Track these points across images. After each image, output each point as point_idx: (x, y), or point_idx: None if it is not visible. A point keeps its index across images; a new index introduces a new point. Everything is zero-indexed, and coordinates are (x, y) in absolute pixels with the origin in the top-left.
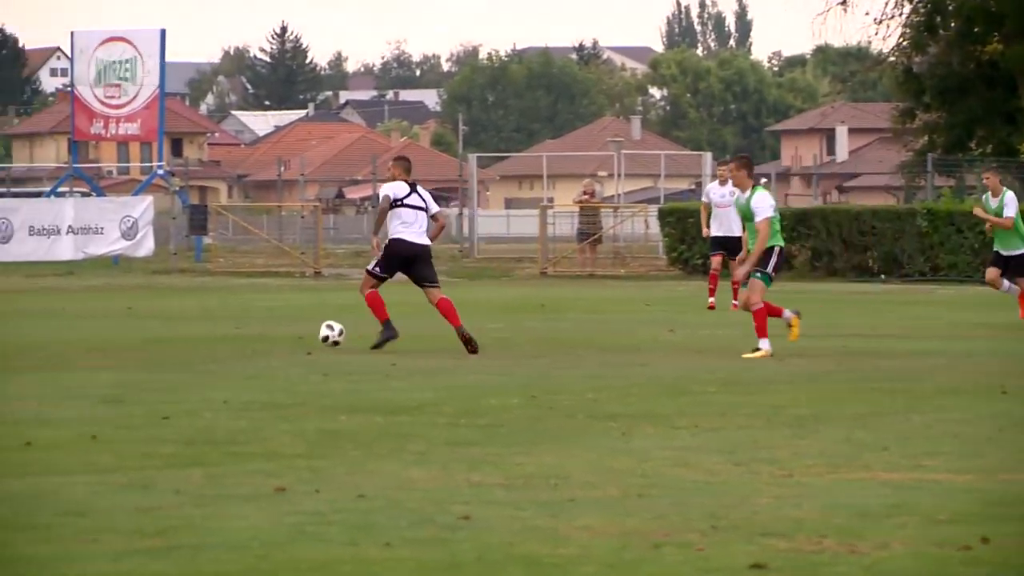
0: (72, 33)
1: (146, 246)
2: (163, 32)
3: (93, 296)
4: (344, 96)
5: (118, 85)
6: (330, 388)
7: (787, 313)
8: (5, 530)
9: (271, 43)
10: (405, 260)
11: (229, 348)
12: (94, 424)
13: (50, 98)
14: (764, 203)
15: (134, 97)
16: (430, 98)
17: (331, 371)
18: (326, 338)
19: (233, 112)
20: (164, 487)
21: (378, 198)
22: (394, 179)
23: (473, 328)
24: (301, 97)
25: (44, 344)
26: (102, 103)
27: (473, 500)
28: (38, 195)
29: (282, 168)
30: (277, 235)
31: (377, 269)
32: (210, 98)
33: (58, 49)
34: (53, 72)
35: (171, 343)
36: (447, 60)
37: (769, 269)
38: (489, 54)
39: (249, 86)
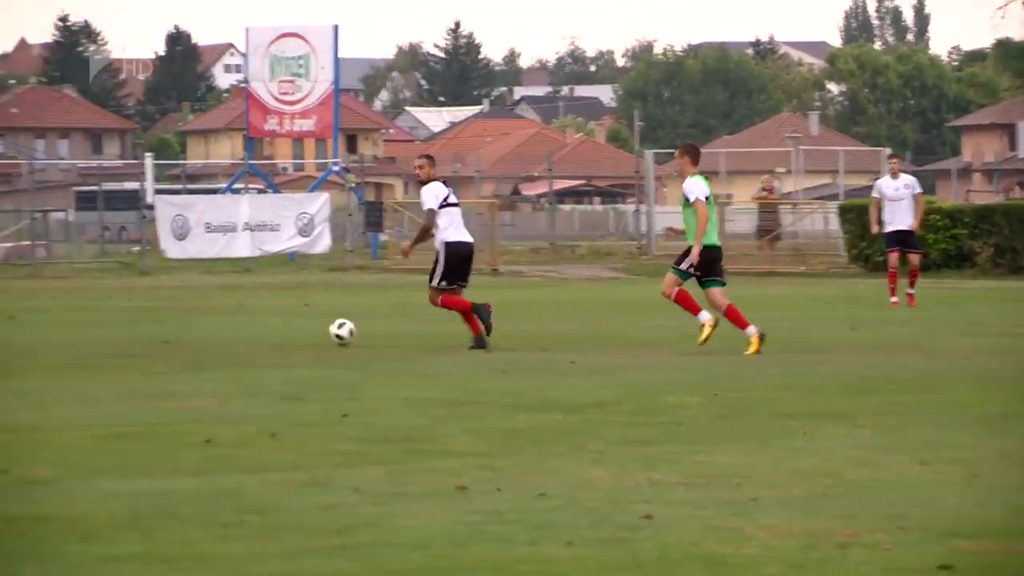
0: (246, 29)
1: (322, 243)
2: (336, 28)
3: (270, 293)
4: (519, 92)
5: (292, 81)
6: (509, 386)
7: (751, 330)
8: (187, 527)
9: (445, 39)
10: (465, 260)
11: (408, 345)
12: (273, 421)
13: (224, 95)
14: (697, 188)
15: (308, 93)
16: (605, 94)
17: (510, 369)
18: (340, 337)
19: (407, 108)
20: (343, 485)
21: (554, 196)
22: (429, 179)
23: (653, 325)
24: (475, 93)
25: (222, 341)
26: (276, 99)
27: (654, 499)
28: (214, 192)
29: (458, 165)
30: None
31: (444, 283)
32: (384, 94)
33: (231, 46)
34: (227, 68)
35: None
36: (622, 55)
37: (682, 266)
38: (664, 49)
39: (423, 82)
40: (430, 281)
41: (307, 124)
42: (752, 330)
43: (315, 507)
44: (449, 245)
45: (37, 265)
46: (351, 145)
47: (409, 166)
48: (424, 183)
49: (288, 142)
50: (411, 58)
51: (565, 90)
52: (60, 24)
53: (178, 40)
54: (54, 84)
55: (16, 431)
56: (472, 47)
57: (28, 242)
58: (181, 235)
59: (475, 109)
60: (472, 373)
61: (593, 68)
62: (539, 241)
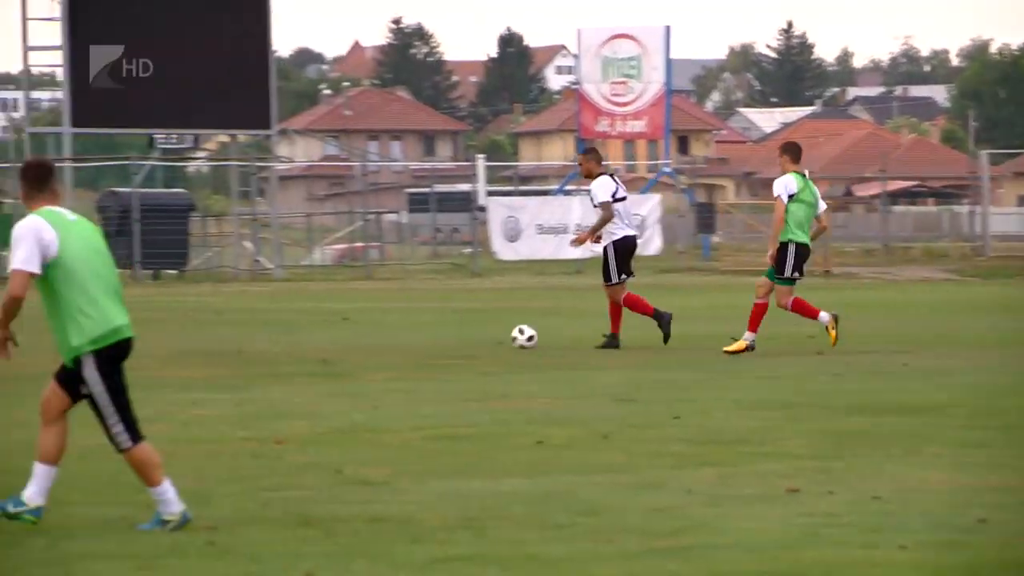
0: (578, 31)
1: (654, 244)
2: (668, 29)
3: (600, 295)
4: (852, 92)
5: (624, 82)
6: (841, 388)
7: (824, 316)
8: (519, 529)
9: (777, 40)
10: (631, 253)
11: None
12: (605, 423)
13: (556, 96)
14: (780, 185)
15: (640, 94)
16: (939, 94)
17: (842, 371)
18: (515, 340)
19: (739, 109)
20: (675, 487)
21: (887, 197)
22: (590, 174)
23: (989, 327)
24: (807, 94)
25: (554, 343)
26: (608, 100)
27: (990, 503)
28: (546, 193)
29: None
30: None
31: (623, 276)
32: (716, 95)
33: (563, 47)
34: (559, 70)
35: (681, 342)
36: (956, 55)
37: (785, 273)
38: (999, 49)
39: (756, 83)
40: (607, 280)
41: (638, 125)
42: (750, 336)
43: (647, 508)
44: (617, 242)
45: (370, 267)
46: (682, 146)
47: (741, 167)
48: (587, 178)
49: (620, 143)
50: (743, 59)
51: (899, 90)
52: (393, 27)
53: (510, 42)
54: (387, 86)
55: (350, 432)
56: (805, 47)
57: (361, 244)
58: (513, 237)
59: (807, 110)
60: (804, 375)
61: (927, 68)
62: (872, 243)
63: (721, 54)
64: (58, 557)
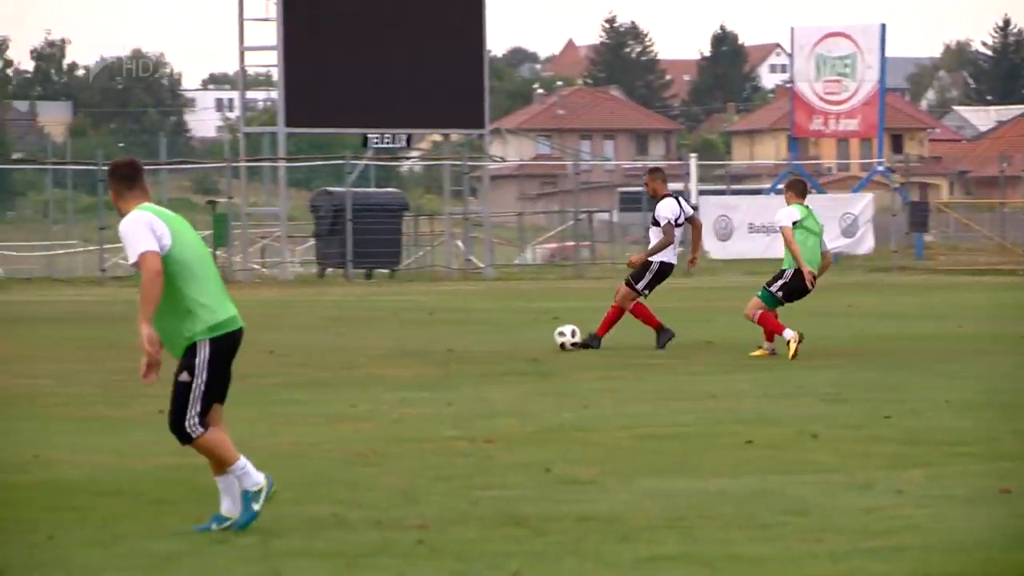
0: (792, 29)
1: (866, 244)
2: (883, 27)
3: (812, 293)
4: None
5: (838, 81)
6: None
7: (788, 333)
8: (726, 529)
9: (992, 37)
10: (667, 277)
11: (951, 346)
12: (815, 422)
13: (769, 95)
14: (783, 215)
15: (854, 93)
16: None
17: None
18: (562, 345)
19: (954, 108)
20: (885, 487)
21: None
22: (656, 195)
23: None
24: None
25: (751, 342)
26: (821, 99)
27: None
28: (758, 192)
29: (1004, 164)
30: (999, 232)
31: (647, 291)
32: (931, 93)
33: (777, 45)
34: (772, 68)
35: (892, 341)
36: None
37: (772, 288)
38: None
39: (971, 81)
40: (634, 284)
41: (852, 124)
42: (763, 347)
43: (857, 509)
44: (664, 264)
45: (581, 266)
46: (896, 145)
47: (955, 166)
48: (652, 198)
49: (832, 142)
50: (958, 57)
51: None
52: (607, 26)
53: (724, 40)
54: (599, 85)
55: (559, 431)
56: (1022, 45)
57: (572, 243)
58: (724, 236)
59: (1023, 108)
60: (1018, 375)
61: None
62: None
63: (936, 52)
64: (268, 555)
